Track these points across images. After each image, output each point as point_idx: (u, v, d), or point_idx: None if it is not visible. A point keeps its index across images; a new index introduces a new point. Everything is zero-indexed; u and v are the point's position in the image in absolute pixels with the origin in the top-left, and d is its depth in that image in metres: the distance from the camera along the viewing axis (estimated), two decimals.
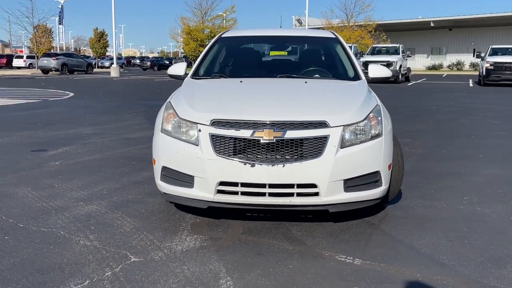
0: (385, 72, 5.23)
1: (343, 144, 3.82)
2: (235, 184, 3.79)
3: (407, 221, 4.24)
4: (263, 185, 3.75)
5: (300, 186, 3.76)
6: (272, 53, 5.67)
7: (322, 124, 3.82)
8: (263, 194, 3.79)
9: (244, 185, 3.77)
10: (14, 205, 4.58)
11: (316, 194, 3.80)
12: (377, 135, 4.01)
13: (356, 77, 5.00)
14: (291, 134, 3.74)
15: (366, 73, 5.22)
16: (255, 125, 3.79)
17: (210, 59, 5.45)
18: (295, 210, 3.97)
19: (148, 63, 63.11)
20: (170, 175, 4.06)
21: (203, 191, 3.87)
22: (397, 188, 4.50)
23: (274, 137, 3.72)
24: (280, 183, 3.74)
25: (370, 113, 4.07)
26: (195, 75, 5.15)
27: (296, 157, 3.73)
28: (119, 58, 69.15)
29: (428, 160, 6.79)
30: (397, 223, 4.19)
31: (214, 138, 3.83)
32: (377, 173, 4.00)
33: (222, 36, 5.84)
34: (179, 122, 4.04)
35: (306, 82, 4.69)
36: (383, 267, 3.32)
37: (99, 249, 3.57)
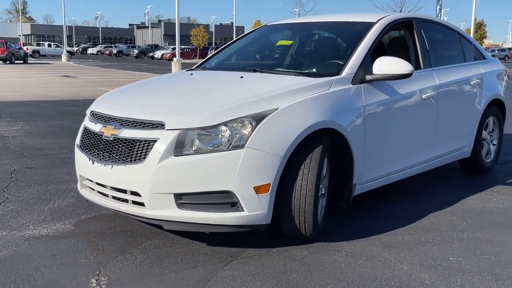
0: (397, 68, 3.85)
1: (180, 151, 3.19)
2: (91, 180, 3.63)
3: (274, 260, 3.20)
4: (105, 186, 3.48)
5: (132, 193, 3.34)
6: (279, 43, 4.84)
7: (159, 125, 3.26)
8: (107, 196, 3.52)
9: (98, 183, 3.56)
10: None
11: (143, 205, 3.30)
12: (237, 146, 3.16)
13: (337, 73, 3.87)
14: (125, 133, 3.34)
15: None
16: (106, 120, 3.54)
17: (227, 50, 5.05)
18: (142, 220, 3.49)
19: None
20: None
21: (79, 184, 3.85)
22: (308, 221, 3.39)
23: (112, 134, 3.40)
24: (111, 185, 3.41)
25: (241, 117, 3.22)
26: (198, 66, 4.89)
27: (124, 159, 3.32)
28: (501, 50, 64.54)
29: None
30: (257, 260, 3.22)
31: (84, 130, 3.75)
32: (229, 193, 3.17)
33: (266, 25, 5.29)
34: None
35: (242, 77, 3.92)
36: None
37: None
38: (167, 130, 3.21)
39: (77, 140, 3.81)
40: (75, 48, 77.07)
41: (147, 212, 3.27)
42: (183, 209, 3.22)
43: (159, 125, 3.25)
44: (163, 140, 3.19)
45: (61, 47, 54.89)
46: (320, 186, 3.47)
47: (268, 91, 3.51)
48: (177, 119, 3.24)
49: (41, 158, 6.06)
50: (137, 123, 3.34)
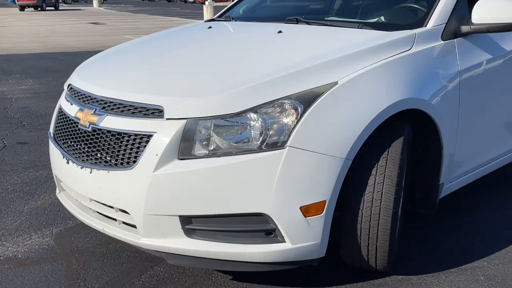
0: (508, 13, 2.59)
1: (187, 152, 2.08)
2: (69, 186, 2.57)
3: None
4: (85, 197, 2.41)
5: (122, 210, 2.27)
6: None
7: (155, 111, 2.15)
8: (89, 209, 2.47)
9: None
10: None
11: (135, 228, 2.23)
12: (275, 145, 2.03)
13: (419, 24, 2.64)
14: (108, 121, 2.24)
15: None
16: (84, 100, 2.45)
17: None
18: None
19: None
20: None
21: (57, 187, 2.81)
22: (381, 251, 2.27)
23: (90, 122, 2.30)
24: (90, 197, 2.34)
25: (279, 99, 2.08)
26: (222, 15, 3.68)
27: (106, 161, 2.23)
28: None
29: None
30: None
31: (59, 112, 2.67)
32: (262, 217, 2.07)
33: None
34: None
35: (280, 32, 2.73)
36: None
37: None
38: (167, 119, 2.10)
39: (51, 127, 2.74)
40: None
41: (142, 240, 2.20)
42: (194, 237, 2.15)
43: (156, 112, 2.14)
44: (162, 135, 2.08)
45: None
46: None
47: (320, 54, 2.33)
48: (183, 102, 2.12)
49: (40, 129, 5.06)
50: (124, 106, 2.23)
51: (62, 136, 2.51)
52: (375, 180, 2.19)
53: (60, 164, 2.49)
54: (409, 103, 2.29)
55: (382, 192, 2.19)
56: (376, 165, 2.20)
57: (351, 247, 2.29)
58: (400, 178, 2.22)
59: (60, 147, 2.50)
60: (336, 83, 2.14)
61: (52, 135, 2.64)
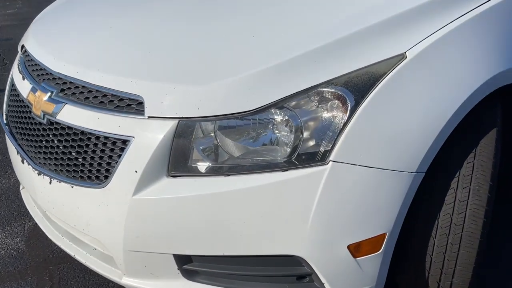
0: None
1: (181, 165, 1.41)
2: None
3: None
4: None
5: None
6: None
7: (133, 105, 1.45)
8: (56, 224, 1.84)
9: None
10: None
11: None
12: (312, 158, 1.34)
13: None
14: (69, 113, 1.55)
15: None
16: (40, 75, 1.74)
17: None
18: None
19: None
20: None
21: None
22: None
23: (44, 112, 1.61)
24: (53, 213, 1.70)
25: (317, 86, 1.36)
26: None
27: (69, 171, 1.56)
28: None
29: None
30: None
31: (11, 86, 1.97)
32: (292, 259, 1.42)
33: None
34: None
35: None
36: None
37: None
38: (149, 118, 1.40)
39: (3, 107, 2.05)
40: None
41: (125, 280, 1.58)
42: (196, 280, 1.53)
43: (133, 104, 1.44)
44: (143, 141, 1.40)
45: None
46: None
47: (373, 7, 1.56)
48: (172, 92, 1.41)
49: None
50: (89, 92, 1.53)
51: (14, 123, 1.84)
52: (455, 197, 1.51)
53: (16, 162, 1.84)
54: (506, 78, 1.56)
55: (465, 214, 1.51)
56: (457, 174, 1.51)
57: (415, 282, 1.65)
58: (491, 193, 1.53)
59: (14, 138, 1.83)
60: (403, 56, 1.40)
61: (4, 120, 1.96)
